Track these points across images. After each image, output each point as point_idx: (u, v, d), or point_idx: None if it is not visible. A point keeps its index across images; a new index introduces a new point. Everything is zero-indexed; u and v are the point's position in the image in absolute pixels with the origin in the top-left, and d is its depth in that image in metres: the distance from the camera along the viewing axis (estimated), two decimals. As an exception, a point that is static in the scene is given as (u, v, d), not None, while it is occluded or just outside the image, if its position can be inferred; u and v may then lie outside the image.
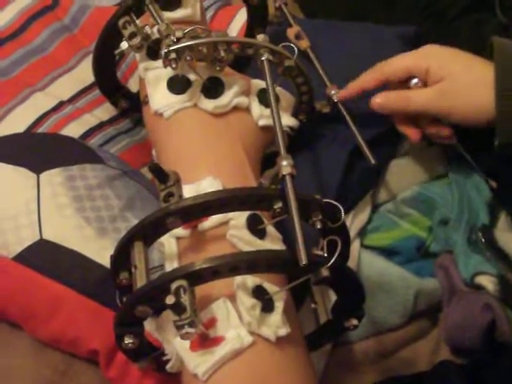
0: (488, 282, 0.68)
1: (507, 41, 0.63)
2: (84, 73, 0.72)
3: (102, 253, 0.57)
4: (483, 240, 0.70)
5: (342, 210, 0.48)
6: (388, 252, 0.72)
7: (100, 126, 0.70)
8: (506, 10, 0.74)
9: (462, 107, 0.62)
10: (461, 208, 0.72)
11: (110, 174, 0.62)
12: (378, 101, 0.65)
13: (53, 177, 0.60)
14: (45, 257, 0.57)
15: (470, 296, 0.68)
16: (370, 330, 0.69)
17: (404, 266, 0.71)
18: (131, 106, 0.71)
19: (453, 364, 0.64)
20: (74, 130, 0.68)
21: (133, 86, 0.73)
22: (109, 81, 0.69)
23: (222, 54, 0.56)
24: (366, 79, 0.65)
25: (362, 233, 0.72)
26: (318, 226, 0.48)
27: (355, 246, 0.70)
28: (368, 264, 0.69)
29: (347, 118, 0.64)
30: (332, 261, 0.45)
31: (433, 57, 0.63)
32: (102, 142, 0.69)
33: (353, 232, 0.69)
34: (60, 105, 0.70)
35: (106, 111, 0.71)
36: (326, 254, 0.47)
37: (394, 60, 0.65)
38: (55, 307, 0.56)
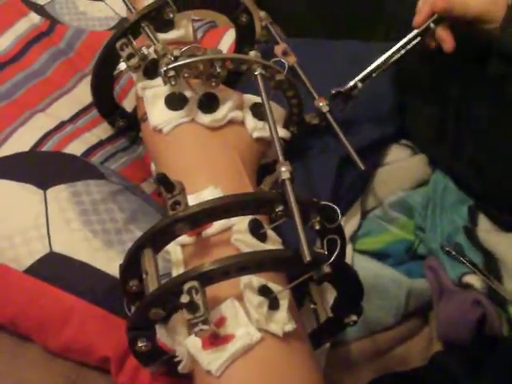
0: (475, 280, 0.71)
1: None
2: (82, 94, 0.75)
3: (109, 263, 0.59)
4: (467, 240, 0.74)
5: (339, 211, 0.51)
6: (379, 255, 0.75)
7: (100, 144, 0.73)
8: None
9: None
10: (434, 218, 0.76)
11: (113, 189, 0.65)
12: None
13: (59, 193, 0.63)
14: (55, 269, 0.59)
15: (460, 294, 0.71)
16: (364, 330, 0.71)
17: (395, 268, 0.75)
18: (127, 125, 0.74)
19: (449, 353, 0.67)
20: (75, 148, 0.71)
21: (127, 106, 0.76)
22: (106, 101, 0.71)
23: (218, 70, 0.59)
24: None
25: (354, 238, 0.75)
26: (317, 227, 0.51)
27: (348, 250, 0.73)
28: (361, 267, 0.72)
29: (335, 127, 0.68)
30: (333, 257, 0.47)
31: None
32: (102, 159, 0.71)
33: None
34: (61, 125, 0.73)
35: (104, 130, 0.74)
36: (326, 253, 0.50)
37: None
38: (66, 317, 0.58)
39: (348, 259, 0.72)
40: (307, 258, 0.45)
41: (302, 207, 0.48)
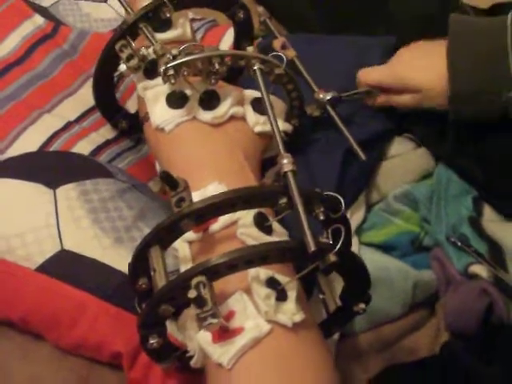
0: (481, 270, 0.71)
1: (464, 17, 0.71)
2: (87, 95, 0.75)
3: (120, 260, 0.60)
4: (472, 230, 0.74)
5: (342, 201, 0.52)
6: (385, 248, 0.76)
7: (106, 144, 0.74)
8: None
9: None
10: (439, 209, 0.76)
11: (121, 187, 0.66)
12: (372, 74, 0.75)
13: (68, 191, 0.64)
14: (66, 266, 0.60)
15: (467, 284, 0.71)
16: (372, 321, 0.72)
17: (401, 260, 0.75)
18: (130, 126, 0.75)
19: (459, 342, 0.67)
20: (83, 147, 0.72)
21: (131, 107, 0.77)
22: (108, 103, 0.72)
23: (217, 66, 0.60)
24: None
25: (359, 231, 0.76)
26: (321, 218, 0.51)
27: (354, 243, 0.73)
28: (368, 259, 0.72)
29: (336, 119, 0.68)
30: (338, 246, 0.48)
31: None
32: (109, 158, 0.72)
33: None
34: (68, 125, 0.74)
35: (110, 130, 0.75)
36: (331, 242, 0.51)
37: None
38: (78, 314, 0.59)
39: (354, 251, 0.72)
40: (312, 247, 0.46)
41: (305, 198, 0.49)
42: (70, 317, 0.59)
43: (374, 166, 0.77)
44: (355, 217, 0.75)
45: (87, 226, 0.62)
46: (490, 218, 0.76)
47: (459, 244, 0.73)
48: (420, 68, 0.72)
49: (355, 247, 0.73)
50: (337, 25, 0.92)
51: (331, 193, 0.52)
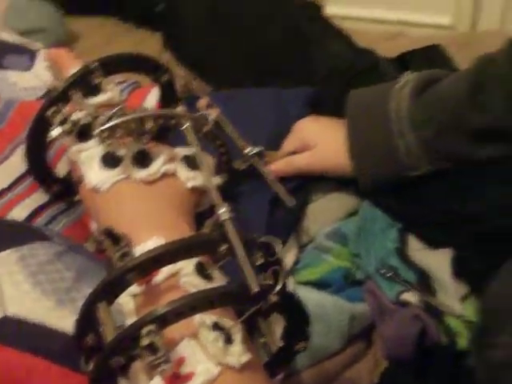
0: (412, 297, 0.76)
1: (360, 99, 0.79)
2: (18, 161, 0.76)
3: (63, 321, 0.61)
4: (400, 260, 0.79)
5: (279, 244, 0.55)
6: (319, 285, 0.79)
7: (41, 209, 0.74)
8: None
9: (330, 167, 0.82)
10: (367, 244, 0.81)
11: (58, 250, 0.66)
12: (273, 168, 0.81)
13: (6, 258, 0.64)
14: (11, 332, 0.60)
15: (399, 311, 0.75)
16: (313, 358, 0.75)
17: (336, 296, 0.79)
18: (62, 190, 0.76)
19: (396, 368, 0.71)
20: (18, 213, 0.73)
21: (61, 170, 0.78)
22: (41, 168, 0.73)
23: (149, 126, 0.63)
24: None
25: (294, 271, 0.79)
26: (260, 262, 0.54)
27: (290, 282, 0.77)
28: (304, 297, 0.75)
29: (262, 170, 0.73)
30: (280, 286, 0.51)
31: (306, 130, 0.82)
32: (45, 222, 0.73)
33: (284, 271, 0.76)
34: (1, 192, 0.75)
35: (43, 195, 0.75)
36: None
37: (282, 150, 0.83)
38: (27, 379, 0.58)
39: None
40: (255, 289, 0.49)
41: (244, 244, 0.52)
42: (17, 381, 0.59)
43: (302, 209, 0.81)
44: (288, 258, 0.78)
45: (28, 289, 0.62)
46: (415, 248, 0.81)
47: (388, 275, 0.77)
48: (329, 141, 0.81)
49: (291, 287, 0.77)
50: (260, 77, 0.97)
51: (268, 237, 0.55)
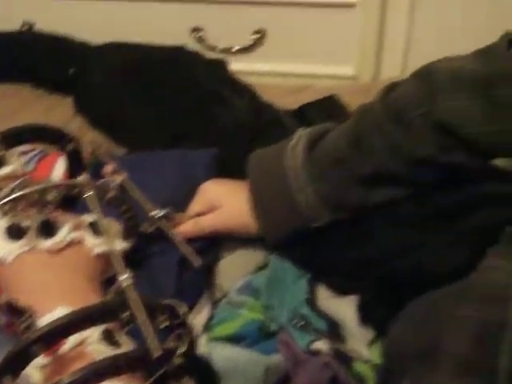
0: (322, 345, 0.78)
1: (260, 161, 0.83)
2: None
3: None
4: (310, 310, 0.82)
5: (183, 306, 0.57)
6: (235, 339, 0.81)
7: None
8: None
9: (235, 227, 0.84)
10: (278, 296, 0.83)
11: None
12: (181, 230, 0.82)
13: None
14: None
15: (311, 360, 0.78)
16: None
17: (251, 349, 0.81)
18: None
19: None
20: None
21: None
22: None
23: (51, 197, 0.64)
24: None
25: (208, 328, 0.81)
26: (164, 325, 0.56)
27: (203, 340, 0.78)
28: (218, 354, 0.76)
29: (169, 232, 0.75)
30: (183, 349, 0.53)
31: (210, 192, 0.85)
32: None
33: (197, 329, 0.78)
34: None
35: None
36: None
37: (188, 212, 0.84)
38: None
39: (204, 348, 0.77)
40: (156, 353, 0.50)
41: (147, 308, 0.54)
42: None
43: (212, 267, 0.83)
44: (201, 316, 0.80)
45: None
46: (324, 297, 0.83)
47: (300, 325, 0.80)
48: (234, 204, 0.83)
49: (205, 344, 0.78)
50: (172, 139, 1.00)
51: (171, 300, 0.57)
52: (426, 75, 0.74)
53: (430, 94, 0.72)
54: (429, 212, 0.76)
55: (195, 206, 0.85)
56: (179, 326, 0.56)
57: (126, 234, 0.74)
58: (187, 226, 0.83)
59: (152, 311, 0.55)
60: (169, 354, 0.52)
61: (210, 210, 0.83)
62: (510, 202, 0.73)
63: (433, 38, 1.25)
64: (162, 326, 0.56)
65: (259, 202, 0.80)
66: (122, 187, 0.77)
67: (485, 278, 0.66)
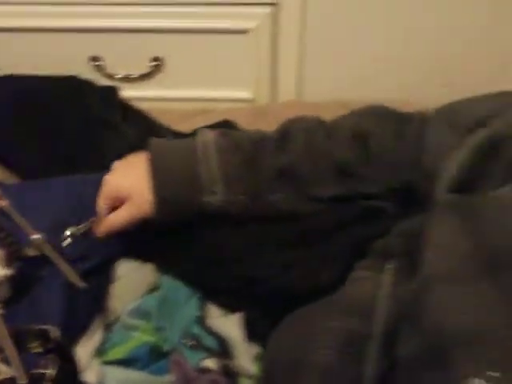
0: (212, 363, 0.80)
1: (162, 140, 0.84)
2: None
3: None
4: (201, 329, 0.84)
5: (55, 331, 0.58)
6: (128, 362, 0.82)
7: None
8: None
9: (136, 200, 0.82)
10: (170, 317, 0.85)
11: None
12: (98, 233, 0.83)
13: None
14: None
15: (200, 378, 0.80)
16: None
17: (144, 370, 0.82)
18: None
19: None
20: None
21: None
22: None
23: None
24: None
25: (101, 352, 0.82)
26: (37, 350, 0.57)
27: (95, 364, 0.79)
28: (111, 377, 0.78)
29: (51, 254, 0.76)
30: (53, 373, 0.54)
31: (113, 184, 0.84)
32: None
33: (88, 352, 0.79)
34: None
35: None
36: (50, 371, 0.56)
37: (98, 210, 0.84)
38: None
39: (97, 372, 0.78)
40: (22, 380, 0.51)
41: (17, 336, 0.55)
42: None
43: (104, 290, 0.85)
44: (92, 340, 0.81)
45: None
46: (214, 315, 0.86)
47: (190, 344, 0.82)
48: (130, 177, 0.83)
49: (97, 368, 0.79)
50: (64, 166, 1.00)
51: (43, 325, 0.58)
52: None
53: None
54: (305, 230, 0.80)
55: (100, 201, 0.84)
56: (51, 351, 0.58)
57: (8, 261, 0.74)
58: (103, 228, 0.83)
59: (23, 338, 0.56)
60: (37, 381, 0.53)
61: (118, 200, 0.83)
62: (377, 218, 0.78)
63: (325, 62, 1.30)
64: (35, 351, 0.57)
65: (157, 169, 0.81)
66: (2, 212, 0.78)
67: (353, 290, 0.70)
